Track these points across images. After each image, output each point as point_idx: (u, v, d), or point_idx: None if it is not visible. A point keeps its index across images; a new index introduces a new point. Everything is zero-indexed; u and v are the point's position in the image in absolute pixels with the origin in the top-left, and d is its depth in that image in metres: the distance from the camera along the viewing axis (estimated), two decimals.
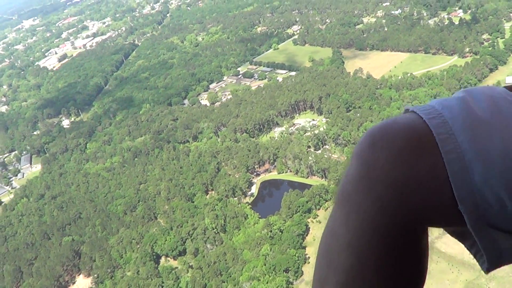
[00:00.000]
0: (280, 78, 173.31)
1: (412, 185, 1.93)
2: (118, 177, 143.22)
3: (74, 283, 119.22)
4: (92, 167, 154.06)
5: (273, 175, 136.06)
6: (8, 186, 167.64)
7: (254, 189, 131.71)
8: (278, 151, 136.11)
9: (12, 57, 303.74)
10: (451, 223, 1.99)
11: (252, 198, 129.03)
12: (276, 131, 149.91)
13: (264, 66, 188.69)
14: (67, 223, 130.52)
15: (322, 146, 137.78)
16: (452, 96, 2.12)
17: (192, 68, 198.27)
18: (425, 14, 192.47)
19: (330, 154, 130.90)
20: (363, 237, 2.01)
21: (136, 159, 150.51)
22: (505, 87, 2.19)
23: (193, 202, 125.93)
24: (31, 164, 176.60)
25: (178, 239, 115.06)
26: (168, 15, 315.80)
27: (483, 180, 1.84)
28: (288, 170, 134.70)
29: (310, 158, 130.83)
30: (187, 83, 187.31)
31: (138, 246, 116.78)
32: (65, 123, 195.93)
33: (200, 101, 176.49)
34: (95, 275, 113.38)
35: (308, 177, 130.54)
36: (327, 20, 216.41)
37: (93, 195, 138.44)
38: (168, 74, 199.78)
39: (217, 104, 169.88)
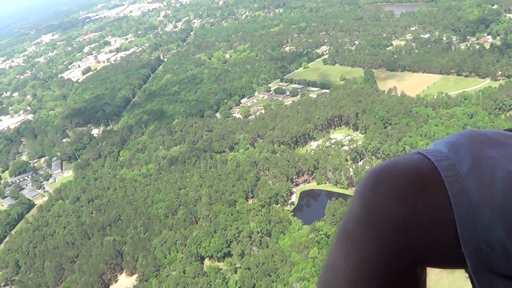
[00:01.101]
0: (313, 95, 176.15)
1: (414, 226, 1.95)
2: (156, 183, 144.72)
3: (116, 281, 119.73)
4: (127, 173, 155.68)
5: (312, 185, 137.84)
6: (40, 190, 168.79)
7: (294, 198, 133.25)
8: (318, 163, 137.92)
9: (34, 69, 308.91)
10: (452, 265, 2.02)
11: (292, 207, 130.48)
12: (312, 145, 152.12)
13: (295, 83, 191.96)
14: (107, 224, 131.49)
15: (360, 160, 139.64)
16: (457, 134, 2.14)
17: (222, 83, 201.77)
18: (454, 39, 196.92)
19: (370, 167, 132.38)
20: (362, 274, 2.03)
21: (172, 166, 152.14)
22: (507, 129, 2.26)
23: (235, 207, 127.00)
24: (62, 169, 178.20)
25: (223, 242, 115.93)
26: (191, 33, 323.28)
27: (488, 224, 1.84)
28: (327, 181, 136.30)
29: (350, 169, 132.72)
30: (219, 97, 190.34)
31: (182, 247, 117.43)
32: (95, 132, 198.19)
33: (233, 115, 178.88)
34: (140, 273, 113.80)
35: (348, 188, 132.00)
36: (355, 42, 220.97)
37: (132, 199, 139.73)
38: (199, 88, 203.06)
39: (251, 117, 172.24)
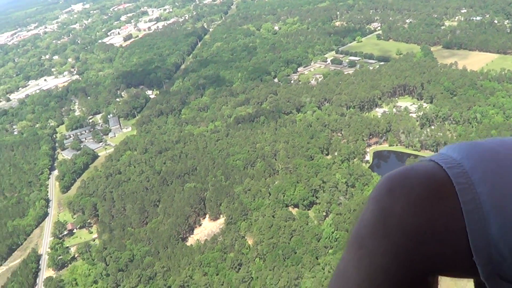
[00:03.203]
0: (371, 67, 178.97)
1: (428, 234, 1.97)
2: (227, 138, 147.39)
3: (200, 225, 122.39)
4: (194, 129, 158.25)
5: (384, 146, 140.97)
6: (101, 143, 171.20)
7: (368, 157, 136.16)
8: (390, 126, 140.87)
9: (70, 34, 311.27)
10: (464, 274, 2.04)
11: (367, 165, 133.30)
12: (378, 111, 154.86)
13: (351, 56, 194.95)
14: (185, 172, 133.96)
15: (429, 126, 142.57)
16: (469, 141, 2.19)
17: (277, 52, 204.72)
18: (505, 23, 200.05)
19: (443, 131, 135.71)
20: (375, 281, 2.04)
21: (239, 125, 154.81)
22: None
23: (314, 161, 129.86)
24: (120, 125, 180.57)
25: (308, 191, 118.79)
26: (232, 6, 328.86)
27: (499, 233, 1.86)
28: (399, 144, 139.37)
29: (425, 132, 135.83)
30: (275, 65, 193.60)
31: (267, 195, 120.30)
32: (148, 92, 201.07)
33: (291, 82, 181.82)
34: (228, 217, 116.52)
35: (420, 150, 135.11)
36: (407, 20, 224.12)
37: (206, 151, 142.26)
38: (253, 56, 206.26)
39: (312, 83, 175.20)
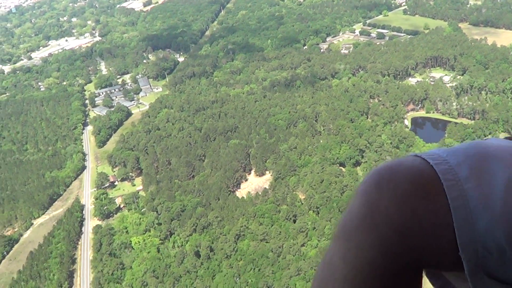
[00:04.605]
0: (402, 40, 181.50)
1: (414, 229, 1.96)
2: (264, 100, 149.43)
3: (246, 180, 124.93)
4: (229, 91, 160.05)
5: (421, 113, 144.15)
6: (133, 101, 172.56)
7: (407, 123, 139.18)
8: (426, 93, 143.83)
9: None
10: (449, 268, 2.05)
11: (407, 129, 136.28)
12: (412, 81, 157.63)
13: (378, 28, 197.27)
14: (228, 130, 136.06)
15: (465, 96, 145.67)
16: (458, 146, 2.18)
17: (305, 22, 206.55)
18: None
19: (481, 100, 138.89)
20: (360, 274, 2.05)
21: (275, 88, 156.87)
22: (508, 137, 2.38)
23: (355, 123, 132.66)
24: (150, 85, 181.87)
25: (354, 150, 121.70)
26: None
27: (486, 228, 1.87)
28: (436, 111, 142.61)
29: (463, 100, 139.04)
30: (304, 34, 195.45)
31: (314, 152, 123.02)
32: (176, 56, 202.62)
33: (321, 51, 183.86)
34: (276, 172, 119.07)
35: (457, 118, 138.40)
36: None
37: (245, 111, 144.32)
38: (281, 25, 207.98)
39: (344, 52, 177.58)
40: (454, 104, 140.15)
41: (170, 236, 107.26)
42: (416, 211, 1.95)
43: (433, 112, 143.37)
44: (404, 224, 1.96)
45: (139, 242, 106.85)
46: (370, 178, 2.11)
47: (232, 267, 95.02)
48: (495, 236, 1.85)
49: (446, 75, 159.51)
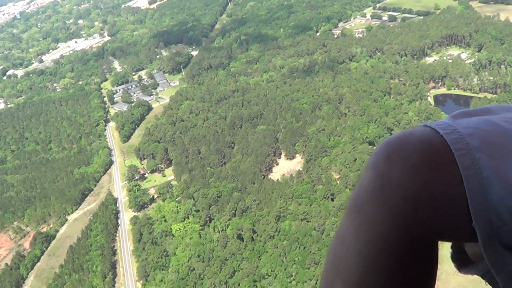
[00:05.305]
0: (414, 21, 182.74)
1: (427, 200, 1.91)
2: (285, 86, 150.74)
3: (277, 164, 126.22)
4: (249, 80, 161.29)
5: (443, 90, 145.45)
6: (151, 96, 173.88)
7: (430, 100, 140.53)
8: (446, 71, 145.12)
9: (91, 0, 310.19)
10: (463, 239, 1.98)
11: (430, 106, 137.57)
12: (428, 60, 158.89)
13: (389, 11, 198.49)
14: (253, 117, 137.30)
15: (484, 71, 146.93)
16: (463, 110, 2.20)
17: (315, 9, 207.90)
18: None
19: (501, 74, 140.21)
20: (374, 248, 2.02)
21: (294, 74, 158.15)
22: None
23: (379, 103, 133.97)
24: (167, 79, 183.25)
25: (382, 129, 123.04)
26: None
27: (499, 198, 1.83)
28: (457, 87, 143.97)
29: (483, 75, 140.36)
30: (316, 21, 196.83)
31: (342, 133, 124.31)
32: (189, 49, 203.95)
33: (334, 36, 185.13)
34: (308, 154, 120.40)
35: (478, 93, 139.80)
36: None
37: (268, 98, 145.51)
38: (291, 14, 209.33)
39: (356, 36, 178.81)
40: (475, 79, 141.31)
41: (210, 222, 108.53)
42: (428, 181, 1.90)
43: (454, 89, 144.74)
44: (416, 195, 1.91)
45: (179, 229, 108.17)
46: (380, 150, 2.05)
47: (277, 247, 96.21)
48: (509, 206, 1.80)
49: (462, 52, 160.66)
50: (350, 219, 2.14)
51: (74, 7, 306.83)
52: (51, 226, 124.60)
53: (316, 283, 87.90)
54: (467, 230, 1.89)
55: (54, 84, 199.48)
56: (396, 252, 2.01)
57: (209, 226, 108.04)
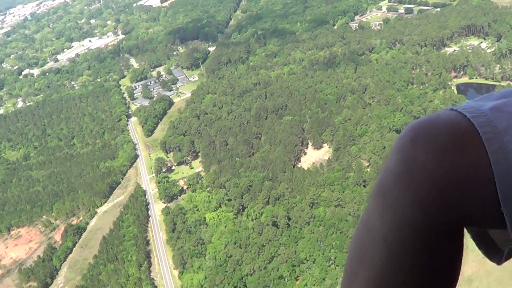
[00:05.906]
0: (432, 12, 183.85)
1: (453, 184, 1.86)
2: (307, 78, 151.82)
3: (305, 154, 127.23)
4: (269, 73, 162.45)
5: (465, 79, 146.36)
6: (172, 91, 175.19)
7: (453, 88, 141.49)
8: (468, 60, 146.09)
9: (102, 0, 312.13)
10: (491, 225, 1.94)
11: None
12: (448, 50, 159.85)
13: (404, 4, 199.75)
14: (278, 108, 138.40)
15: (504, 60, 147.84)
16: (488, 94, 2.13)
17: (330, 3, 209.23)
18: None
19: None
20: (399, 233, 1.98)
21: (315, 66, 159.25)
22: None
23: (404, 92, 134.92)
24: (186, 75, 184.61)
25: (409, 117, 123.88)
26: None
27: None
28: (479, 76, 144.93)
29: (505, 63, 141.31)
30: (332, 14, 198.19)
31: (369, 122, 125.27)
32: (205, 45, 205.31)
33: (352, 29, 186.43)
34: (336, 143, 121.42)
35: (501, 81, 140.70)
36: None
37: (292, 90, 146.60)
38: (307, 8, 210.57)
39: (374, 29, 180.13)
40: (496, 68, 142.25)
41: (243, 210, 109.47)
42: (455, 165, 1.85)
43: (476, 78, 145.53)
44: (443, 179, 1.86)
45: (213, 217, 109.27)
46: (405, 134, 2.00)
47: (313, 233, 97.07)
48: None
49: (482, 42, 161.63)
50: (375, 204, 2.08)
51: (85, 7, 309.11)
52: (81, 218, 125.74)
53: None
54: (495, 215, 1.83)
55: (72, 82, 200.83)
56: (422, 237, 1.95)
57: (242, 214, 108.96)
